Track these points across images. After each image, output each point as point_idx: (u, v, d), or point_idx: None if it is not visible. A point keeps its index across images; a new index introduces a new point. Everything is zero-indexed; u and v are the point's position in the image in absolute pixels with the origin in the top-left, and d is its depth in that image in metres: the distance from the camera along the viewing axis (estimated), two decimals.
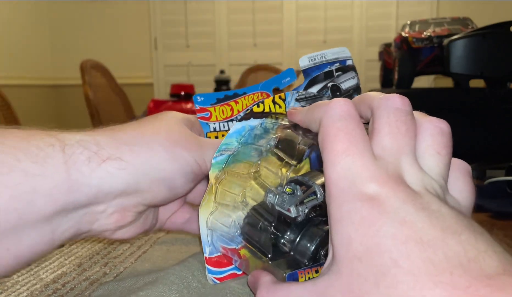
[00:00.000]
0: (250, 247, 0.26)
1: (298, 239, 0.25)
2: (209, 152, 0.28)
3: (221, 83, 1.71)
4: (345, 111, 0.20)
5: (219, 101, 0.32)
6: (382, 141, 0.19)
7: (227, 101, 0.32)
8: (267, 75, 2.48)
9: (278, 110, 0.30)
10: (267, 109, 0.30)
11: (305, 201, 0.24)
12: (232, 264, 0.29)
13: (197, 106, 0.32)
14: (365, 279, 0.17)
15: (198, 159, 0.27)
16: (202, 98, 0.32)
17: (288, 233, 0.25)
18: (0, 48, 2.69)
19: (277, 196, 0.24)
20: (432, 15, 2.82)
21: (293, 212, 0.23)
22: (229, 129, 0.30)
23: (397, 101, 0.20)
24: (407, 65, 1.06)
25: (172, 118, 0.29)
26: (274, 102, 0.30)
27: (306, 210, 0.24)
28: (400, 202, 0.17)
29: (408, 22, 1.17)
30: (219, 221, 0.27)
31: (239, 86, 2.46)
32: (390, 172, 0.18)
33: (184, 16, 3.11)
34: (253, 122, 0.29)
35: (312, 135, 0.25)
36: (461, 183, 0.21)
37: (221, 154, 0.27)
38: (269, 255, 0.25)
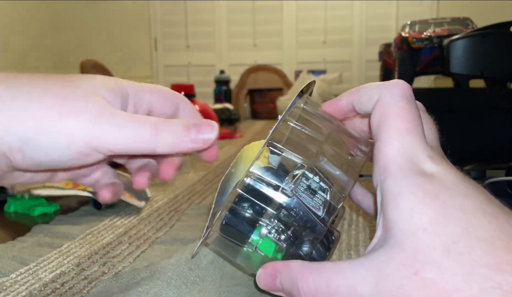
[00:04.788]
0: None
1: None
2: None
3: (221, 84, 1.71)
4: (408, 92, 0.21)
5: None
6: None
7: None
8: (267, 75, 2.47)
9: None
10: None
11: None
12: None
13: None
14: (433, 248, 0.17)
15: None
16: None
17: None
18: (0, 48, 2.69)
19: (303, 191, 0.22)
20: (432, 15, 2.82)
21: (321, 213, 0.22)
22: None
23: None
24: (407, 65, 1.06)
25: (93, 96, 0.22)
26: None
27: (332, 218, 0.22)
28: (456, 178, 0.19)
29: (408, 22, 1.17)
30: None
31: (239, 86, 2.44)
32: (437, 153, 0.20)
33: (184, 16, 3.11)
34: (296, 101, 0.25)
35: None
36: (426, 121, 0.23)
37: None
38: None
